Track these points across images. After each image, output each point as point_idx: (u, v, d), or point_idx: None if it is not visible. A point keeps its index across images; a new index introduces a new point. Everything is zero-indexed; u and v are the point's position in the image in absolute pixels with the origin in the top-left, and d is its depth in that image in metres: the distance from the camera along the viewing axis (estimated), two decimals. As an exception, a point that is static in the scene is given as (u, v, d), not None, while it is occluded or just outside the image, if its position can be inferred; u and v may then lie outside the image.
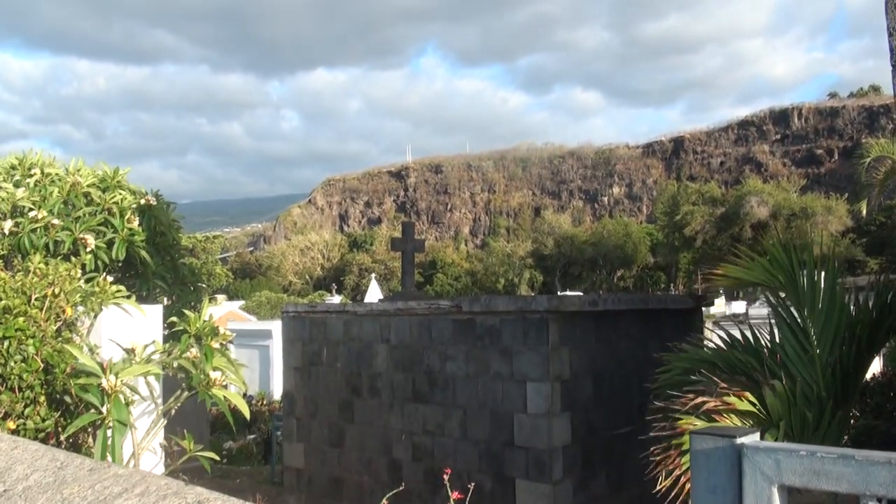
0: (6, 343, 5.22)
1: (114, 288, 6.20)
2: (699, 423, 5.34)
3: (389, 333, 9.52)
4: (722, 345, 6.64)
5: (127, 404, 4.91)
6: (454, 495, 4.08)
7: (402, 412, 9.31)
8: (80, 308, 6.01)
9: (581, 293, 41.96)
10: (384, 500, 3.84)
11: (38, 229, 9.17)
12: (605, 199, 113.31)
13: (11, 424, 5.03)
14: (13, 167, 10.71)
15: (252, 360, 20.86)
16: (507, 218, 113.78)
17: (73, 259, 7.24)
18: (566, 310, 8.26)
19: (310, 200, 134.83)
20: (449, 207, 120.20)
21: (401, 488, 4.50)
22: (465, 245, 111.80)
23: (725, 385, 5.58)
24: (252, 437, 15.47)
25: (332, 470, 10.12)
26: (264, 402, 18.77)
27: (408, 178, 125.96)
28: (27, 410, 5.20)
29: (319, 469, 10.29)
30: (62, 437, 5.15)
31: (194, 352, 5.61)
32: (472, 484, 4.99)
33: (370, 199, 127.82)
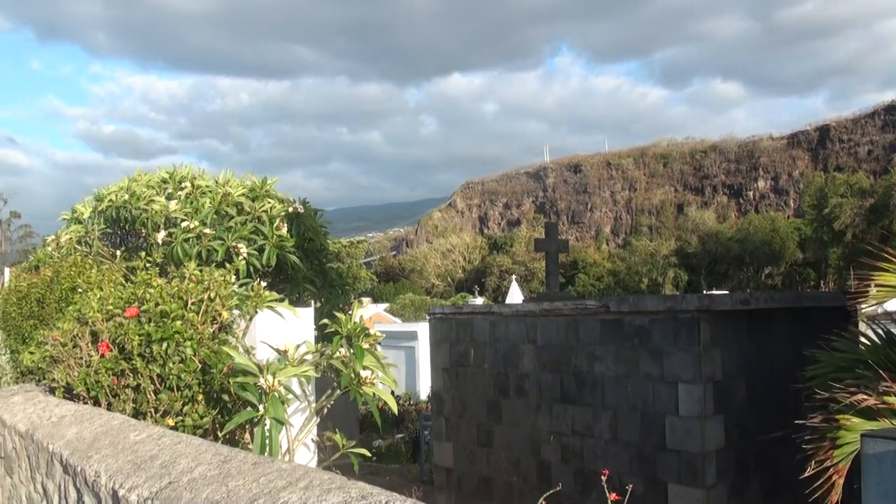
0: (165, 345, 5.45)
1: (268, 292, 6.39)
2: (856, 420, 5.13)
3: (536, 334, 9.47)
4: (878, 342, 6.32)
5: (282, 402, 5.04)
6: (612, 497, 4.01)
7: (550, 413, 9.25)
8: (236, 312, 6.23)
9: (727, 292, 40.75)
10: (541, 501, 3.80)
11: (191, 239, 9.57)
12: (750, 193, 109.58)
13: (170, 421, 5.25)
14: (164, 181, 11.20)
15: (398, 361, 21.18)
16: (650, 216, 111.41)
17: (227, 265, 7.50)
18: (717, 309, 8.02)
19: (450, 204, 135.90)
20: (589, 207, 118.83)
21: (558, 488, 4.44)
22: (607, 244, 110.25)
23: (889, 383, 5.31)
24: (400, 436, 15.70)
25: (482, 469, 10.15)
26: (411, 402, 19.03)
27: (546, 179, 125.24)
28: (185, 408, 5.42)
29: (468, 468, 10.34)
30: (220, 434, 5.33)
31: (344, 351, 5.72)
32: (630, 486, 4.88)
33: (509, 201, 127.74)
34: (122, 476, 3.18)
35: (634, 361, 8.33)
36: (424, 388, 20.45)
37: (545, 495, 3.80)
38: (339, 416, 9.28)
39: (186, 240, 9.53)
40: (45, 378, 6.56)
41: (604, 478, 4.39)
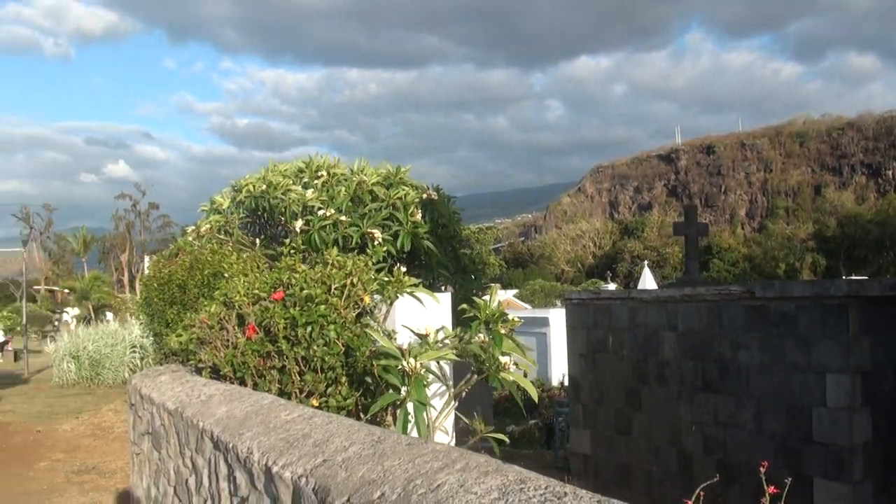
0: (309, 328, 5.56)
1: (408, 278, 6.45)
2: None
3: (677, 320, 9.23)
4: None
5: (424, 385, 5.07)
6: (770, 490, 3.86)
7: (692, 402, 9.01)
8: (377, 297, 6.31)
9: (866, 277, 38.98)
10: (698, 491, 3.68)
11: (328, 226, 9.74)
12: (889, 172, 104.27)
13: (315, 402, 5.36)
14: (301, 170, 11.45)
15: (529, 347, 21.08)
16: (786, 198, 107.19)
17: (367, 251, 7.61)
18: (866, 295, 7.63)
19: (579, 189, 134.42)
20: (723, 189, 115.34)
21: (715, 479, 4.30)
22: (742, 228, 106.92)
23: None
24: (534, 422, 15.64)
25: (620, 458, 10.00)
26: (543, 389, 18.95)
27: (678, 161, 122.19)
28: (329, 390, 5.53)
29: (606, 456, 10.21)
30: (362, 416, 5.40)
31: (483, 337, 5.71)
32: (789, 479, 4.69)
33: (640, 185, 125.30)
34: (274, 453, 3.23)
35: (780, 349, 8.02)
36: (556, 375, 20.33)
37: (701, 486, 3.67)
38: (473, 400, 9.31)
39: (323, 227, 9.72)
40: (189, 359, 6.80)
41: (762, 469, 4.22)
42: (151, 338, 19.63)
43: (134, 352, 21.19)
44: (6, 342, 41.56)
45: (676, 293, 9.34)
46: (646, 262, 48.02)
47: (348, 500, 2.50)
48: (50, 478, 11.17)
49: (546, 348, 22.01)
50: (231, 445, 3.73)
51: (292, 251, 7.03)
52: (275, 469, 3.13)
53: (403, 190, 10.57)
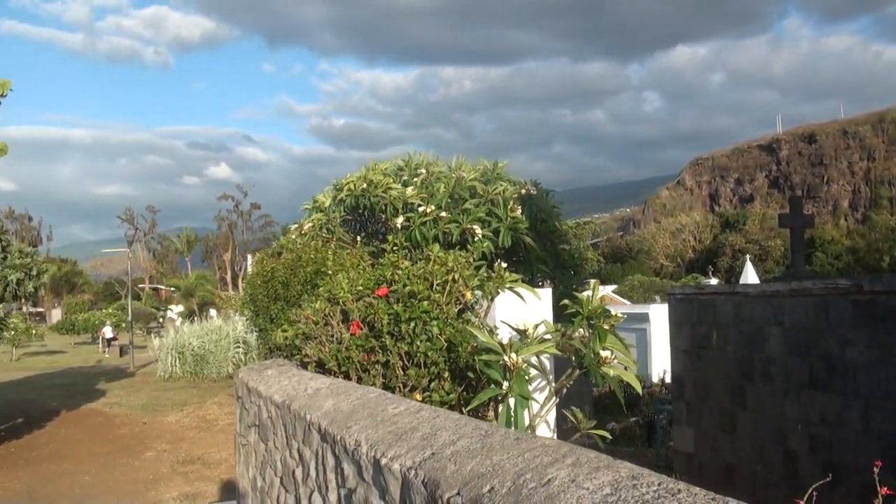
0: (412, 324, 5.61)
1: (509, 273, 6.46)
2: None
3: (783, 316, 8.99)
4: None
5: (526, 380, 5.07)
6: (883, 491, 3.75)
7: (798, 400, 8.76)
8: (478, 293, 6.34)
9: None
10: (811, 491, 3.59)
11: (428, 223, 9.82)
12: None
13: (418, 397, 5.42)
14: (400, 168, 11.58)
15: (629, 343, 20.86)
16: (890, 187, 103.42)
17: (468, 247, 7.65)
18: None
19: (678, 181, 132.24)
20: (825, 179, 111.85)
21: (827, 479, 4.18)
22: (845, 220, 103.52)
23: None
24: (634, 419, 15.48)
25: (724, 457, 9.81)
26: (643, 386, 18.74)
27: (779, 151, 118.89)
28: (432, 384, 5.58)
29: (710, 455, 10.02)
30: (464, 410, 5.43)
31: (584, 332, 5.69)
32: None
33: (741, 176, 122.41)
34: (383, 446, 3.28)
35: (889, 346, 7.74)
36: (656, 372, 20.06)
37: (813, 487, 3.59)
38: (573, 396, 9.27)
39: (424, 223, 9.80)
40: (293, 354, 6.94)
41: (875, 469, 4.09)
42: (256, 333, 20.10)
43: (237, 347, 21.71)
44: (114, 338, 43.10)
45: (783, 288, 9.11)
46: (747, 257, 46.91)
47: (458, 493, 2.52)
48: (156, 467, 11.53)
49: (646, 344, 21.75)
50: (339, 438, 3.80)
51: (395, 248, 7.12)
52: (383, 461, 3.17)
53: (502, 186, 10.58)
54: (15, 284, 13.07)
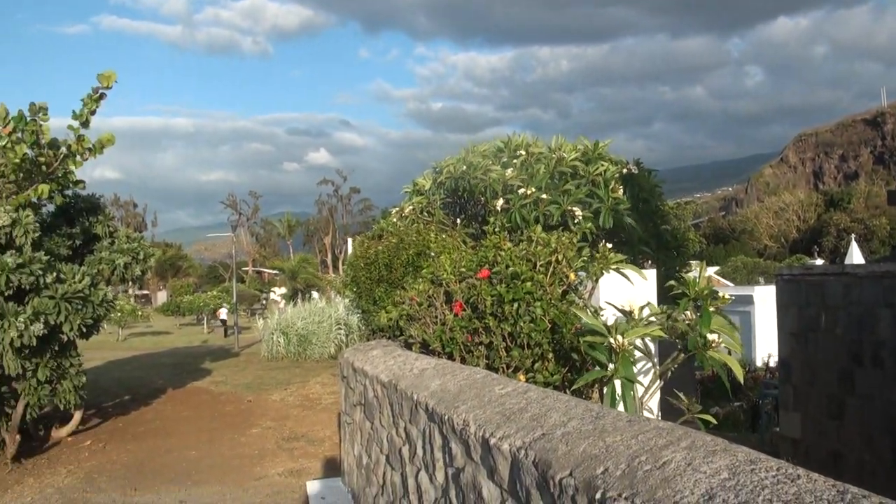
0: (516, 305, 5.62)
1: (613, 255, 6.40)
2: None
3: (894, 297, 8.69)
4: None
5: (632, 363, 5.03)
6: None
7: (908, 386, 8.48)
8: (582, 274, 6.30)
9: None
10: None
11: (528, 204, 9.77)
12: None
13: (522, 377, 5.42)
14: (500, 150, 11.54)
15: (734, 326, 20.44)
16: None
17: (571, 228, 7.60)
18: None
19: (781, 159, 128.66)
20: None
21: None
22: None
23: None
24: (738, 403, 15.19)
25: (831, 443, 9.55)
26: (748, 370, 18.36)
27: (884, 126, 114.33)
28: (536, 365, 5.58)
29: (817, 441, 9.77)
30: (568, 391, 5.42)
31: (690, 314, 5.60)
32: None
33: (845, 152, 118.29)
34: (491, 426, 3.30)
35: None
36: (760, 355, 19.64)
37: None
38: (676, 380, 9.16)
39: (524, 205, 9.75)
40: (396, 335, 7.02)
41: None
42: (358, 315, 20.39)
43: (339, 329, 22.06)
44: (225, 321, 44.22)
45: (893, 268, 8.79)
46: (853, 236, 45.48)
47: (570, 474, 2.52)
48: (261, 443, 11.82)
49: (750, 327, 21.30)
50: (447, 417, 3.84)
51: (496, 229, 7.13)
52: (492, 441, 3.19)
53: (603, 165, 10.46)
54: (122, 268, 13.52)
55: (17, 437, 12.00)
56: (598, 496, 2.27)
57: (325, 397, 15.21)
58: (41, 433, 13.42)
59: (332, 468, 9.76)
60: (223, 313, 44.15)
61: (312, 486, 8.19)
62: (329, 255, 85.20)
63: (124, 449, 12.22)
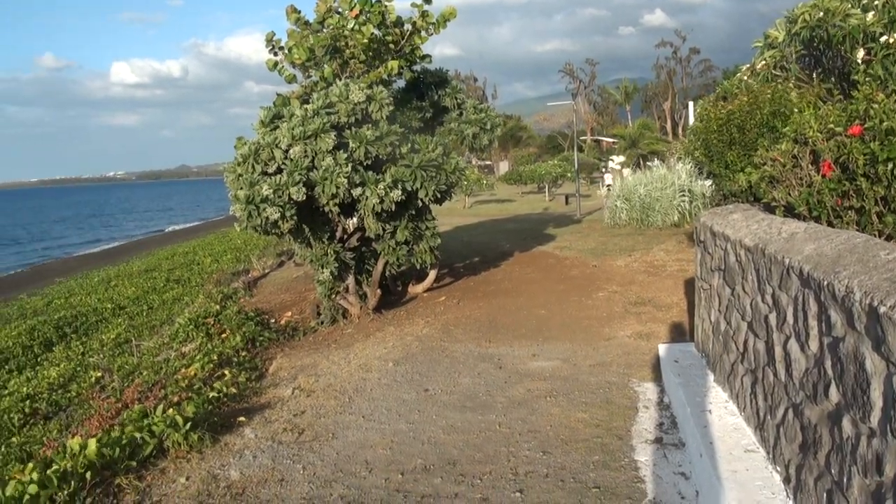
0: (891, 165, 5.11)
1: None
2: None
3: None
4: None
5: None
6: None
7: None
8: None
9: None
10: None
11: (891, 55, 8.79)
12: None
13: None
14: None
15: None
16: None
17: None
18: None
19: None
20: None
21: None
22: None
23: None
24: None
25: None
26: None
27: None
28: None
29: None
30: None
31: None
32: None
33: None
34: (880, 293, 3.05)
35: None
36: None
37: None
38: None
39: (887, 55, 8.78)
40: (750, 200, 6.69)
41: None
42: (703, 181, 19.79)
43: (682, 196, 21.58)
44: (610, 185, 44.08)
45: None
46: None
47: None
48: (608, 306, 11.95)
49: None
50: (825, 283, 3.61)
51: (868, 79, 6.48)
52: (881, 310, 2.95)
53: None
54: (471, 138, 14.01)
55: (378, 291, 13.16)
56: None
57: (670, 264, 15.03)
58: (399, 289, 14.60)
59: (680, 333, 9.70)
60: (608, 178, 43.94)
61: (663, 349, 8.19)
62: (668, 121, 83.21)
63: (476, 305, 12.91)
